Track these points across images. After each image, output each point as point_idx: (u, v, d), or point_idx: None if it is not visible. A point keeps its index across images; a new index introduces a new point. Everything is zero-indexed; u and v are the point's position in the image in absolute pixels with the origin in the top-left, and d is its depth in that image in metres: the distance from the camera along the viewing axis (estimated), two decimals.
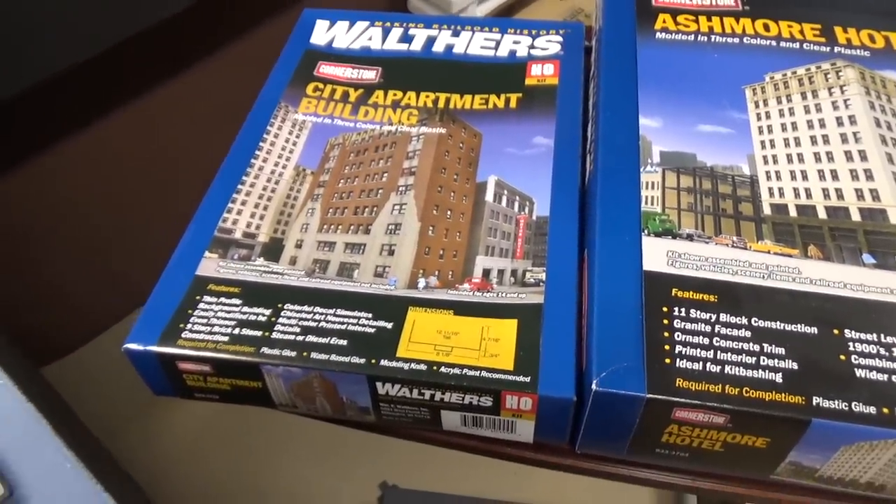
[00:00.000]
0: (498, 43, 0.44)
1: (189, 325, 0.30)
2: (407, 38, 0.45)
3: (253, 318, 0.30)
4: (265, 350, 0.29)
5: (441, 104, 0.41)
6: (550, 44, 0.43)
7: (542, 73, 0.42)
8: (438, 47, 0.44)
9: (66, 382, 0.88)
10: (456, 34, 0.45)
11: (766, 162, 0.33)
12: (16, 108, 0.63)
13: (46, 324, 0.79)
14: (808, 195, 0.32)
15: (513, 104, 0.40)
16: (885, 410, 0.24)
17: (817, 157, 0.33)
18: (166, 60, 0.75)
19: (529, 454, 0.30)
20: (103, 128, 0.74)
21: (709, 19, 0.40)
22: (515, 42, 0.44)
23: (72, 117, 0.71)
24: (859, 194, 0.31)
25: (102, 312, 0.86)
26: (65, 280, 0.80)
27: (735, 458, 0.27)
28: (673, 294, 0.28)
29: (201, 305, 0.31)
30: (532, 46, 0.44)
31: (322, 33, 0.46)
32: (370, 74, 0.43)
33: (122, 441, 0.85)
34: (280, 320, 0.30)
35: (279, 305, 0.31)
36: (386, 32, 0.46)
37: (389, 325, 0.30)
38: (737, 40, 0.39)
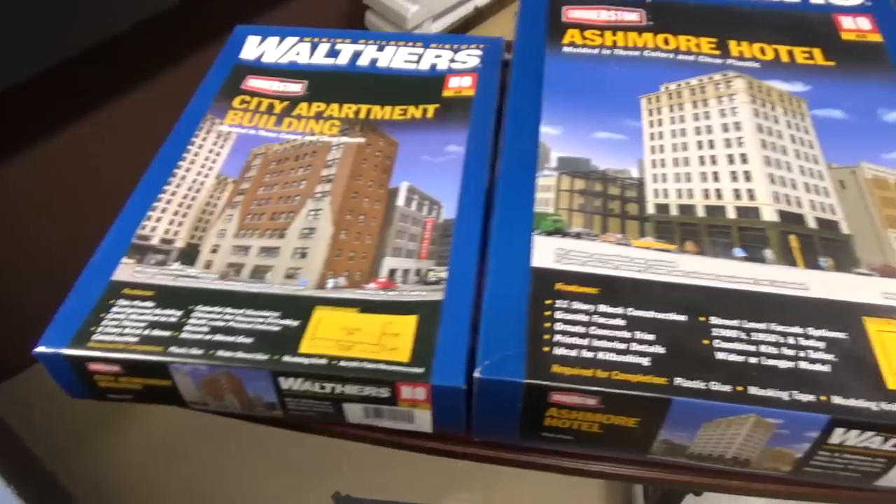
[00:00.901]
0: (420, 57, 0.46)
1: (100, 328, 0.31)
2: (333, 53, 0.47)
3: (164, 319, 0.32)
4: (173, 349, 0.30)
5: (362, 115, 0.43)
6: (470, 57, 0.46)
7: (460, 86, 0.44)
8: (363, 61, 0.46)
9: (17, 402, 0.87)
10: (381, 49, 0.47)
11: (654, 165, 0.35)
12: None
13: None
14: (690, 195, 0.34)
15: (430, 114, 0.42)
16: (739, 388, 0.26)
17: (702, 161, 0.35)
18: (108, 81, 0.77)
19: (431, 444, 0.32)
20: (46, 148, 0.75)
21: (613, 34, 0.43)
22: (437, 56, 0.46)
23: (14, 138, 0.71)
24: (737, 194, 0.34)
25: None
26: (13, 299, 0.80)
27: (613, 439, 0.29)
28: (557, 288, 0.30)
29: (114, 309, 0.32)
30: (452, 60, 0.46)
31: (252, 48, 0.48)
32: (296, 87, 0.45)
33: (73, 460, 0.85)
34: (190, 321, 0.32)
35: (190, 307, 0.32)
36: (314, 47, 0.47)
37: (295, 323, 0.32)
38: (638, 53, 0.42)
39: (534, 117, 0.38)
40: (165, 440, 0.89)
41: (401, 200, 0.37)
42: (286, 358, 0.30)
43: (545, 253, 0.31)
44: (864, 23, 0.44)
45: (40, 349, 0.31)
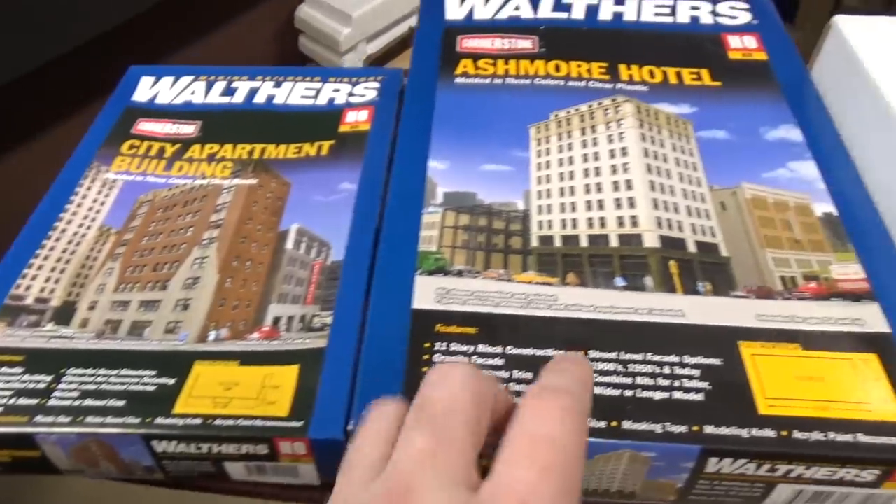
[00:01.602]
0: (318, 92, 0.46)
1: None
2: (230, 91, 0.46)
3: (32, 385, 0.30)
4: (39, 418, 0.29)
5: (256, 155, 0.42)
6: (367, 90, 0.45)
7: (356, 120, 0.43)
8: (260, 99, 0.45)
9: None
10: (278, 85, 0.46)
11: (539, 196, 0.35)
12: None
13: None
14: (574, 225, 0.34)
15: (324, 151, 0.41)
16: (614, 423, 0.26)
17: (587, 189, 0.36)
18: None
19: (319, 495, 0.31)
20: None
21: (506, 62, 0.43)
22: (335, 90, 0.46)
23: None
24: (620, 221, 0.34)
25: None
26: None
27: None
28: (437, 329, 0.30)
29: None
30: (350, 94, 0.45)
31: (145, 90, 0.46)
32: (189, 129, 0.44)
33: None
34: (60, 386, 0.30)
35: (62, 370, 0.31)
36: (209, 86, 0.46)
37: (172, 381, 0.30)
38: (529, 82, 0.42)
39: (422, 152, 0.37)
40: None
41: (290, 243, 0.36)
42: (159, 420, 0.29)
43: (426, 293, 0.31)
44: (750, 41, 0.45)
45: None
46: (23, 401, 0.30)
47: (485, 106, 0.40)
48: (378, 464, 0.20)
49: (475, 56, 0.44)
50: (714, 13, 0.47)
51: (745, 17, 0.47)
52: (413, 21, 1.34)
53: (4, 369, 0.31)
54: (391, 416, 0.22)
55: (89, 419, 0.29)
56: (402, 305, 0.31)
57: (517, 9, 0.48)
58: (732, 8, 0.47)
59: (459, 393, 0.20)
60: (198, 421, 0.29)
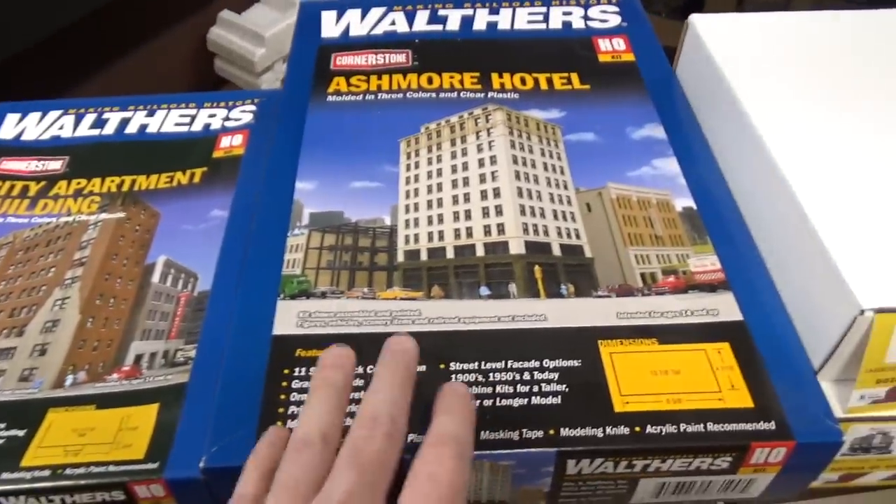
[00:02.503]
0: (193, 118, 0.45)
1: None
2: (99, 124, 0.44)
3: None
4: None
5: (126, 187, 0.40)
6: (244, 114, 0.45)
7: (231, 145, 0.42)
8: (131, 129, 0.44)
9: None
10: (151, 114, 0.45)
11: (406, 211, 0.35)
12: None
13: None
14: (441, 237, 0.34)
15: (196, 179, 0.40)
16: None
17: (455, 200, 0.36)
18: None
19: None
20: None
21: (379, 78, 0.43)
22: (210, 115, 0.45)
23: None
24: (487, 230, 0.34)
25: None
26: None
27: None
28: (297, 355, 0.29)
29: None
30: (226, 118, 0.44)
31: (10, 128, 0.44)
32: (55, 165, 0.42)
33: None
34: None
35: None
36: (79, 119, 0.45)
37: (22, 433, 0.29)
38: (401, 96, 0.42)
39: (291, 173, 0.37)
40: None
41: (156, 277, 0.35)
42: (5, 475, 0.27)
43: (287, 318, 0.30)
44: (619, 44, 0.46)
45: None
46: None
47: (356, 123, 0.40)
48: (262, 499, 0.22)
49: (348, 73, 0.44)
50: (585, 17, 0.48)
51: (615, 21, 0.48)
52: None
53: None
54: (274, 450, 0.24)
55: None
56: (261, 333, 0.30)
57: (393, 24, 0.48)
58: (603, 12, 0.49)
59: (386, 441, 0.22)
60: (46, 472, 0.27)
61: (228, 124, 0.44)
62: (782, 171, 0.32)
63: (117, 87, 0.97)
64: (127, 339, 0.33)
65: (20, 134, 0.44)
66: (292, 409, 0.27)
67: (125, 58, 1.07)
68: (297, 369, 0.28)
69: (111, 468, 0.27)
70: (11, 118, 0.45)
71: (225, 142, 0.43)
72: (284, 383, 0.28)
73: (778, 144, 0.33)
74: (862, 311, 0.25)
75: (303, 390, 0.28)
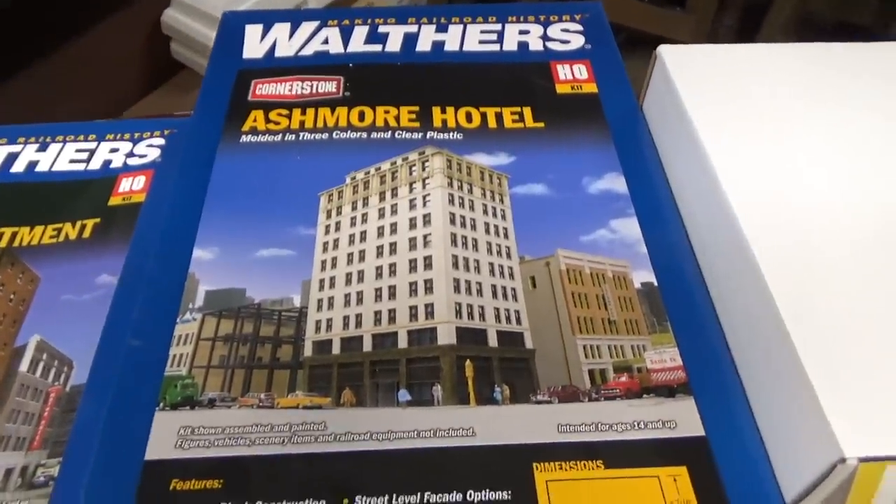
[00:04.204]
0: (92, 153, 0.39)
1: None
2: None
3: None
4: None
5: (4, 242, 0.35)
6: (150, 149, 0.39)
7: (131, 189, 0.37)
8: (18, 167, 0.38)
9: None
10: (43, 147, 0.39)
11: (321, 287, 0.30)
12: None
13: None
14: (358, 323, 0.29)
15: (87, 233, 0.35)
16: None
17: (378, 273, 0.31)
18: None
19: None
20: None
21: (303, 112, 0.37)
22: (112, 150, 0.39)
23: None
24: (413, 313, 0.29)
25: None
26: None
27: None
28: (172, 488, 0.24)
29: None
30: (130, 154, 0.39)
31: None
32: None
33: None
34: None
35: None
36: None
37: None
38: (327, 136, 0.36)
39: (187, 237, 0.31)
40: None
41: (24, 364, 0.30)
42: None
43: (164, 436, 0.25)
44: (580, 71, 0.41)
45: None
46: None
47: (271, 171, 0.34)
48: None
49: (268, 105, 0.38)
50: (545, 38, 0.43)
51: (577, 42, 0.42)
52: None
53: None
54: None
55: None
56: (134, 455, 0.25)
57: (325, 42, 0.42)
58: (565, 31, 0.43)
59: None
60: None
61: (131, 161, 0.38)
62: (755, 256, 0.27)
63: (66, 74, 0.90)
64: None
65: None
66: None
67: (74, 40, 0.99)
68: None
69: None
70: None
71: (125, 184, 0.37)
72: None
73: (747, 212, 0.28)
74: (843, 459, 0.21)
75: None
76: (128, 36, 1.16)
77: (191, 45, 1.20)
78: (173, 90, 1.09)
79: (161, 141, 0.39)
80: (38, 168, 0.38)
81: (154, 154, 0.39)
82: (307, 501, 0.24)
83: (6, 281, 0.33)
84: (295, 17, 0.44)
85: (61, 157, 0.39)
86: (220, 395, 0.27)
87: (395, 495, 0.24)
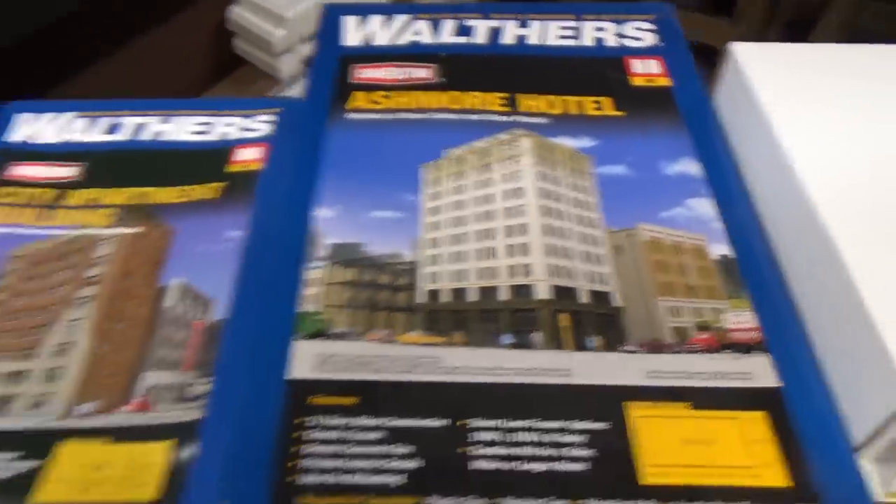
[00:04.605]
0: (210, 126, 0.43)
1: None
2: (115, 129, 0.43)
3: None
4: None
5: (140, 200, 0.39)
6: (262, 124, 0.43)
7: (248, 158, 0.41)
8: (146, 135, 0.43)
9: None
10: (166, 120, 0.44)
11: (429, 246, 0.34)
12: None
13: None
14: (465, 277, 0.33)
15: (213, 194, 0.39)
16: (493, 500, 0.25)
17: (479, 236, 0.34)
18: None
19: None
20: None
21: (401, 94, 0.42)
22: (228, 124, 0.43)
23: None
24: (512, 271, 0.33)
25: None
26: None
27: None
28: (312, 402, 0.28)
29: None
30: (244, 128, 0.43)
31: (22, 129, 0.43)
32: (68, 171, 0.41)
33: None
34: None
35: None
36: (94, 123, 0.44)
37: (34, 464, 0.28)
38: (425, 116, 0.40)
39: (309, 197, 0.36)
40: None
41: (169, 301, 0.34)
42: None
43: (303, 361, 0.29)
44: (654, 66, 0.44)
45: None
46: None
47: (376, 144, 0.38)
48: None
49: (369, 87, 0.42)
50: (619, 35, 0.46)
51: (650, 39, 0.46)
52: None
53: None
54: None
55: None
56: (277, 375, 0.29)
57: (418, 34, 0.46)
58: (638, 29, 0.47)
59: None
60: None
61: (246, 135, 0.43)
62: (827, 229, 0.30)
63: (135, 66, 0.95)
64: (139, 369, 0.32)
65: (30, 137, 0.43)
66: (306, 462, 0.26)
67: (144, 35, 1.05)
68: (312, 418, 0.28)
69: None
70: (23, 118, 0.44)
71: (241, 154, 0.41)
72: (297, 433, 0.27)
73: (822, 195, 0.31)
74: None
75: (317, 441, 0.27)
76: (194, 31, 1.22)
77: (254, 41, 1.26)
78: (235, 83, 1.14)
79: (270, 118, 0.44)
80: (163, 138, 0.43)
81: (265, 129, 0.43)
82: (430, 419, 0.28)
83: (146, 232, 0.38)
84: (388, 10, 0.48)
85: (183, 128, 0.43)
86: (348, 329, 0.31)
87: (504, 420, 0.28)
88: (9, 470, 0.28)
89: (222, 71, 1.15)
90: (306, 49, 1.24)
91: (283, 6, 1.18)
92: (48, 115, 0.44)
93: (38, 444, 0.29)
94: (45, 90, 0.80)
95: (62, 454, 0.29)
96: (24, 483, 0.28)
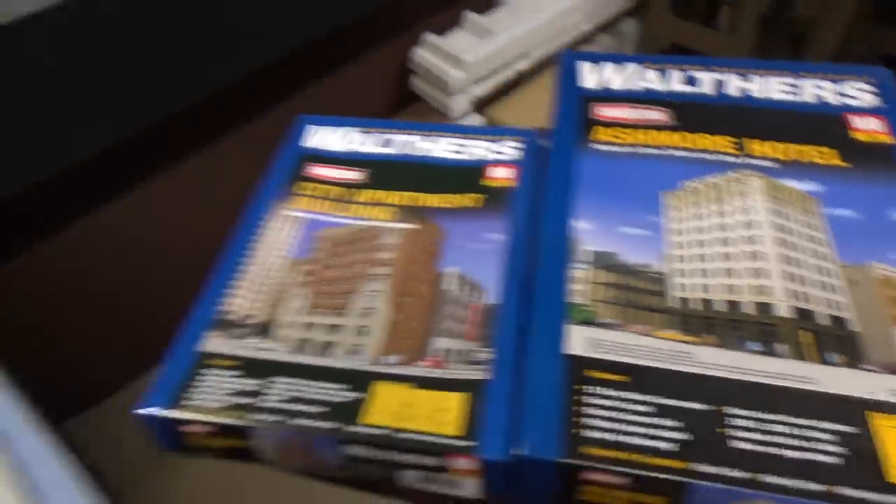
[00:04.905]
0: (463, 147, 0.51)
1: (191, 393, 0.36)
2: (388, 143, 0.52)
3: (246, 387, 0.36)
4: (254, 415, 0.35)
5: (413, 202, 0.48)
6: (509, 149, 0.51)
7: (500, 176, 0.49)
8: (413, 151, 0.52)
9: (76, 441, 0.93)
10: (428, 139, 0.52)
11: (675, 261, 0.39)
12: (49, 186, 0.72)
13: (56, 385, 0.85)
14: (711, 290, 0.38)
15: (472, 203, 0.47)
16: (752, 475, 0.30)
17: (720, 257, 0.39)
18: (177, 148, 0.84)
19: None
20: (120, 209, 0.82)
21: (640, 132, 0.48)
22: (478, 147, 0.51)
23: (91, 199, 0.79)
24: (754, 290, 0.38)
25: (113, 374, 0.92)
26: (79, 344, 0.86)
27: None
28: (588, 374, 0.34)
29: (202, 376, 0.37)
30: (493, 151, 0.51)
31: (313, 137, 0.53)
32: (354, 175, 0.50)
33: (129, 501, 0.90)
34: (268, 389, 0.36)
35: (268, 377, 0.37)
36: (370, 137, 0.53)
37: (357, 396, 0.36)
38: (661, 151, 0.46)
39: (567, 211, 0.42)
40: (213, 483, 0.93)
41: (448, 285, 0.42)
42: (351, 427, 0.34)
43: (577, 341, 0.35)
44: (875, 124, 0.47)
45: (140, 411, 0.36)
46: (240, 399, 0.36)
47: (621, 171, 0.45)
48: None
49: (609, 124, 0.48)
50: (839, 94, 0.50)
51: (870, 100, 0.49)
52: (519, 66, 1.41)
53: (225, 371, 0.37)
54: None
55: (295, 420, 0.35)
56: (555, 350, 0.35)
57: (649, 81, 0.52)
58: (858, 90, 0.50)
59: None
60: (383, 431, 0.34)
61: (495, 157, 0.50)
62: None
63: (327, 96, 1.09)
64: (428, 334, 0.39)
65: (321, 144, 0.53)
66: (588, 420, 0.32)
67: (341, 69, 1.20)
68: (589, 387, 0.33)
69: (434, 439, 0.34)
70: (312, 129, 0.54)
71: (494, 172, 0.49)
72: (577, 397, 0.33)
73: None
74: None
75: (595, 405, 0.33)
76: (379, 69, 1.36)
77: (431, 81, 1.38)
78: (409, 117, 1.25)
79: (517, 144, 0.51)
80: (427, 154, 0.51)
81: (513, 153, 0.50)
82: (692, 403, 0.33)
83: (422, 228, 0.46)
84: (618, 59, 0.55)
85: (442, 147, 0.52)
86: (612, 321, 0.36)
87: (758, 411, 0.32)
88: (339, 397, 0.36)
89: (400, 105, 1.27)
90: (477, 90, 1.35)
91: (463, 50, 1.30)
92: (332, 128, 0.54)
93: (358, 380, 0.37)
94: (276, 104, 0.95)
95: (378, 391, 0.36)
96: (353, 407, 0.35)
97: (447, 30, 1.25)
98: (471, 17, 1.25)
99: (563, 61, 0.56)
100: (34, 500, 0.34)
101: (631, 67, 0.54)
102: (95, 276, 0.86)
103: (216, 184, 0.85)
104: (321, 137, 0.53)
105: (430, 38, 1.23)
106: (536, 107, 1.24)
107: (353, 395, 0.36)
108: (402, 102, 1.25)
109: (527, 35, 1.21)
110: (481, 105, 1.36)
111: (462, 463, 0.33)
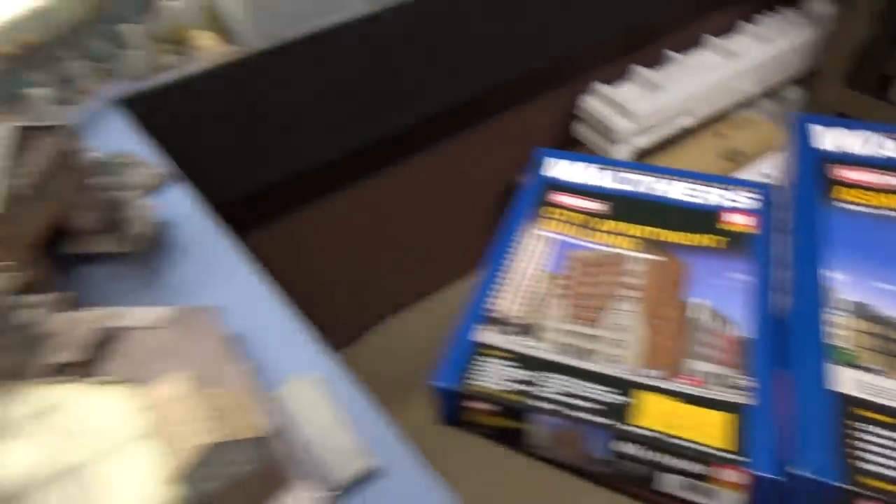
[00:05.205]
0: (697, 192, 0.55)
1: (475, 375, 0.42)
2: (625, 181, 0.57)
3: (521, 377, 0.42)
4: (534, 401, 0.40)
5: (654, 236, 0.52)
6: (745, 198, 0.54)
7: (738, 222, 0.52)
8: (650, 190, 0.56)
9: None
10: (663, 181, 0.57)
11: None
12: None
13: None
14: None
15: (712, 243, 0.51)
16: None
17: None
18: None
19: None
20: (375, 187, 0.95)
21: (883, 196, 0.50)
22: (712, 193, 0.55)
23: (358, 177, 0.93)
24: None
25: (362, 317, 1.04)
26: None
27: None
28: (856, 412, 0.36)
29: (482, 363, 0.43)
30: (730, 199, 0.54)
31: (553, 168, 0.59)
32: (598, 206, 0.55)
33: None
34: (543, 382, 0.41)
35: (539, 371, 0.42)
36: (608, 173, 0.58)
37: (622, 399, 0.40)
38: None
39: (818, 261, 0.45)
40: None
41: (698, 314, 0.45)
42: (623, 426, 0.39)
43: (845, 381, 0.38)
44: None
45: (436, 383, 0.42)
46: (517, 386, 0.41)
47: (870, 231, 0.47)
48: None
49: (851, 185, 0.51)
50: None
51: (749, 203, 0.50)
52: (683, 122, 1.43)
53: (503, 362, 0.43)
54: None
55: (570, 412, 0.39)
56: (819, 386, 0.38)
57: (889, 151, 0.54)
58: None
59: None
60: (654, 434, 0.38)
61: (731, 204, 0.54)
62: None
63: (500, 130, 1.16)
64: (683, 355, 0.43)
65: (562, 175, 0.59)
66: (860, 453, 0.35)
67: (517, 108, 1.27)
68: (858, 423, 0.36)
69: (702, 448, 0.37)
70: (551, 161, 0.60)
71: (731, 218, 0.53)
72: (849, 431, 0.36)
73: None
74: None
75: (866, 441, 0.35)
76: (546, 112, 1.42)
77: (596, 128, 1.43)
78: None
79: (752, 195, 0.55)
80: (663, 194, 0.56)
81: (750, 203, 0.54)
82: None
83: (665, 260, 0.50)
84: (850, 125, 0.57)
85: (678, 189, 0.56)
86: (874, 367, 0.39)
87: None
88: (609, 398, 0.40)
89: (560, 147, 1.32)
90: (641, 141, 1.38)
91: (634, 101, 1.34)
92: (569, 162, 0.60)
93: (621, 386, 0.41)
94: (465, 132, 1.04)
95: (645, 399, 0.40)
96: (623, 409, 0.40)
97: (615, 81, 1.30)
98: (640, 70, 1.30)
99: (794, 123, 0.59)
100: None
101: (866, 134, 0.56)
102: (349, 241, 0.98)
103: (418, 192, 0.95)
104: (561, 169, 0.59)
105: (600, 87, 1.28)
106: (693, 162, 1.26)
107: (621, 398, 0.40)
108: (563, 145, 1.31)
109: (696, 93, 1.24)
110: (640, 156, 1.39)
111: (730, 475, 0.36)
